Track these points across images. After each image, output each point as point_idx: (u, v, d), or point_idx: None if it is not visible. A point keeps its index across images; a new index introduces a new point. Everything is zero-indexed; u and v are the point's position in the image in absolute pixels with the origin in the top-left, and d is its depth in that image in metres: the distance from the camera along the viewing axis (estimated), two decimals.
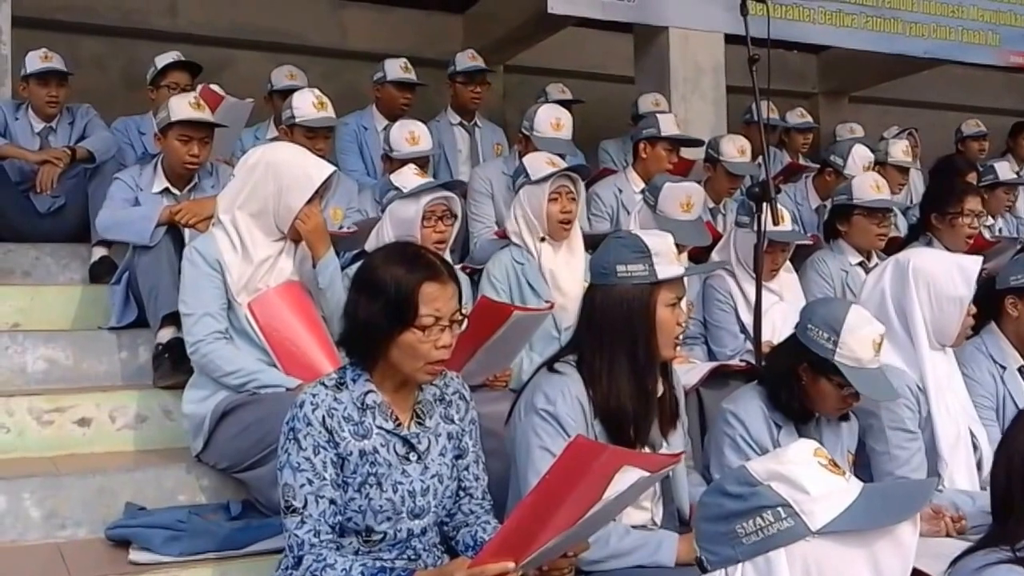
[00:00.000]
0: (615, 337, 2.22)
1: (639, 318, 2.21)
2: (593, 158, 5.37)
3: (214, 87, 4.20)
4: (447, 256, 3.24)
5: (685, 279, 3.20)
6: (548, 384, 2.24)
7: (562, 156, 3.96)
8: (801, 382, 2.54)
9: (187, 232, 3.30)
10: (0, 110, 4.21)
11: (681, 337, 2.34)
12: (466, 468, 2.16)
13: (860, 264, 3.90)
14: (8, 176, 4.06)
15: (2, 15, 4.54)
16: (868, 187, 3.95)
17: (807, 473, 1.37)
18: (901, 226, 4.75)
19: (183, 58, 4.68)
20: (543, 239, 3.39)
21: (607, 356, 2.22)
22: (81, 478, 2.70)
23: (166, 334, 3.18)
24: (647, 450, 2.27)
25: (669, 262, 2.26)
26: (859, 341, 2.46)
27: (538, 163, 3.45)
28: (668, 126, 4.50)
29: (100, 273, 3.84)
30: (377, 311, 1.98)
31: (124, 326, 3.44)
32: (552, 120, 4.12)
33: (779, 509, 1.35)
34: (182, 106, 3.52)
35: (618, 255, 2.25)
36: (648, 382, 2.24)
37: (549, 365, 2.31)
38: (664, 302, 2.24)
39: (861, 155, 4.75)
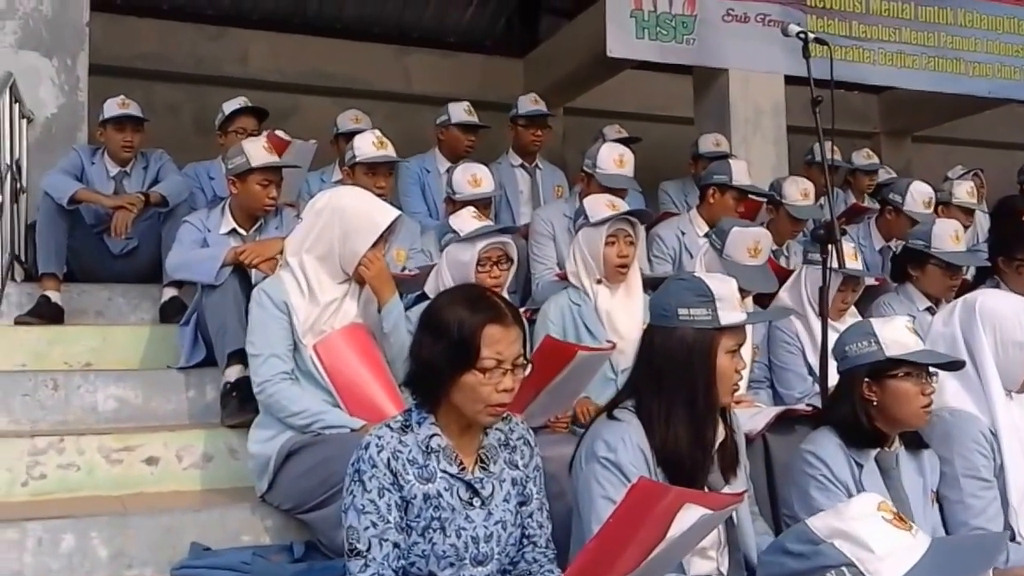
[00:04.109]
0: (674, 381, 2.20)
1: (699, 363, 2.19)
2: (653, 199, 5.37)
3: (279, 133, 4.30)
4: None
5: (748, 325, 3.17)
6: (608, 432, 2.21)
7: (624, 192, 3.96)
8: (874, 403, 2.51)
9: (253, 272, 3.37)
10: (77, 155, 4.33)
11: (740, 384, 2.31)
12: (530, 515, 2.14)
13: (928, 309, 3.83)
14: (83, 219, 4.17)
15: (80, 63, 4.70)
16: (948, 238, 3.87)
17: (871, 529, 1.33)
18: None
19: (249, 103, 4.80)
20: (599, 281, 3.39)
21: (665, 401, 2.20)
22: (148, 517, 2.74)
23: (233, 372, 3.22)
24: None
25: (732, 308, 2.23)
26: (895, 331, 2.51)
27: (598, 206, 3.44)
28: (740, 175, 4.40)
29: (170, 313, 3.92)
30: (440, 352, 1.99)
31: (192, 366, 3.50)
32: (615, 157, 4.11)
33: (843, 569, 1.32)
34: (260, 152, 3.60)
35: (681, 298, 2.23)
36: (707, 428, 2.21)
37: (608, 412, 2.28)
38: (725, 349, 2.21)
39: (920, 191, 4.66)
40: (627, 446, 2.16)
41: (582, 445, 2.29)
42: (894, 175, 6.18)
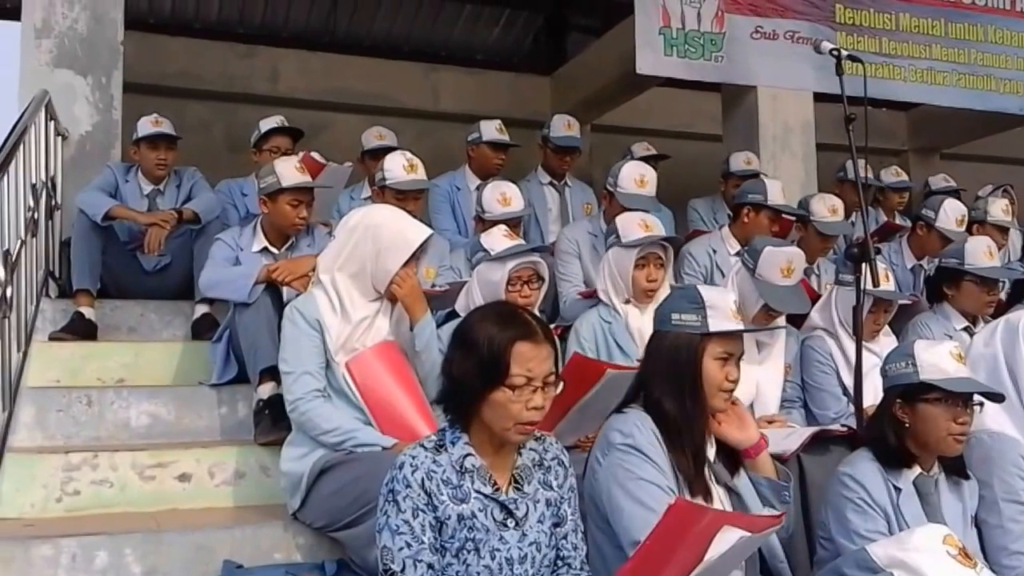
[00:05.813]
0: (665, 381, 2.29)
1: (685, 366, 2.28)
2: (682, 217, 5.35)
3: (315, 155, 4.31)
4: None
5: (769, 339, 3.15)
6: (620, 422, 2.28)
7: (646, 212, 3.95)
8: (905, 425, 2.51)
9: (285, 290, 3.39)
10: (112, 172, 4.36)
11: (732, 392, 2.35)
12: (564, 537, 2.13)
13: (965, 329, 3.79)
14: (117, 236, 4.20)
15: (114, 82, 4.75)
16: (982, 253, 3.85)
17: (933, 563, 1.31)
18: None
19: (286, 123, 4.83)
20: (627, 301, 3.38)
21: (659, 401, 2.28)
22: (180, 534, 2.75)
23: (266, 390, 3.24)
24: (719, 491, 2.30)
25: (724, 317, 2.31)
26: (936, 356, 2.50)
27: (631, 227, 3.43)
28: (775, 195, 4.35)
29: (202, 330, 3.93)
30: (470, 368, 2.00)
31: (224, 383, 3.52)
32: (636, 177, 4.09)
33: None
34: (291, 172, 3.62)
35: (674, 304, 2.36)
36: (695, 429, 2.28)
37: (617, 409, 2.35)
38: (712, 355, 2.29)
39: (953, 208, 4.62)
40: (642, 430, 2.24)
41: (595, 447, 2.34)
42: (953, 183, 6.10)
